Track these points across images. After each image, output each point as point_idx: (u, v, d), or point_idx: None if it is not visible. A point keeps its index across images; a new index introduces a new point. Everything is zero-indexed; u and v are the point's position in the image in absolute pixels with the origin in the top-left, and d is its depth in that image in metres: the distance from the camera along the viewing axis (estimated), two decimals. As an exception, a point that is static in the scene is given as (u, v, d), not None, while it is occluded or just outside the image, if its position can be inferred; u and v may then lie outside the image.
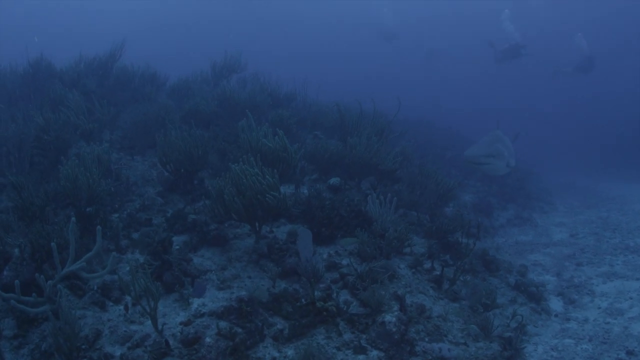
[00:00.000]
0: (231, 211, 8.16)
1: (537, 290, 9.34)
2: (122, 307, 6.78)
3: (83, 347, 5.95)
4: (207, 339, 6.03)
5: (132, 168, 10.99)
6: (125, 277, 6.86)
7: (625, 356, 7.30)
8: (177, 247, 8.09)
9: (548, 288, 10.09)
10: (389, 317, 6.73)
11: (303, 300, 6.97)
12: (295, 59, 63.24)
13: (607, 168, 31.31)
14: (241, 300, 6.78)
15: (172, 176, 10.23)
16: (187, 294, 7.06)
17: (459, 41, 59.86)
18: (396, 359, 6.33)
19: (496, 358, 6.73)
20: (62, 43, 31.70)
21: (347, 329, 6.69)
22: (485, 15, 50.43)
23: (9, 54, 16.54)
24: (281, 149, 9.42)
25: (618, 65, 53.90)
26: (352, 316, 6.85)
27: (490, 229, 14.53)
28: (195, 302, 6.94)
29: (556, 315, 8.96)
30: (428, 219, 10.67)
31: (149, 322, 6.37)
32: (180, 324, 6.44)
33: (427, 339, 6.66)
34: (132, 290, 6.21)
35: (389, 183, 11.47)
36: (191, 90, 16.09)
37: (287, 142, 9.48)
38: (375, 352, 6.36)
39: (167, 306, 6.89)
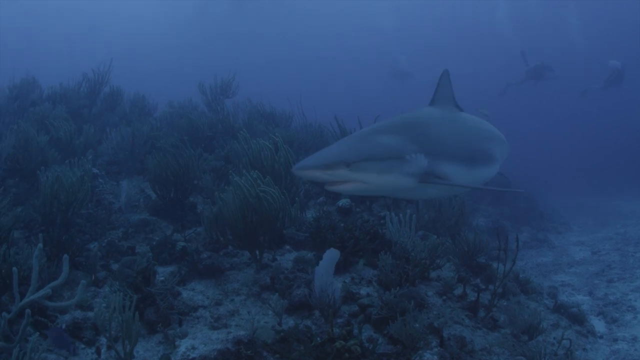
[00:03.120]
0: (231, 234, 7.56)
1: (578, 311, 8.80)
2: (94, 350, 5.86)
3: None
4: (198, 393, 4.91)
5: (116, 193, 10.23)
6: (102, 314, 5.77)
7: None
8: (162, 278, 7.13)
9: (584, 308, 9.47)
10: (429, 356, 5.97)
11: (318, 338, 5.78)
12: (296, 70, 63.37)
13: (610, 186, 32.20)
14: (239, 342, 5.87)
15: (160, 200, 9.53)
16: (173, 335, 6.05)
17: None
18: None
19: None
20: (55, 64, 31.28)
21: (376, 374, 5.68)
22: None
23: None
24: (284, 165, 8.94)
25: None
26: (380, 356, 5.78)
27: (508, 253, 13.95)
28: (183, 345, 5.99)
29: (602, 337, 8.57)
30: (450, 241, 9.75)
31: (126, 370, 5.36)
32: (164, 372, 5.38)
33: (475, 379, 5.73)
34: (108, 330, 5.31)
35: (403, 204, 10.53)
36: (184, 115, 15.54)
37: (291, 156, 9.02)
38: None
39: (149, 349, 5.98)
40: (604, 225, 19.46)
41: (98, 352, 5.79)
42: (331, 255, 6.57)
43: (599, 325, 9.04)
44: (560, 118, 57.51)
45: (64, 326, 6.02)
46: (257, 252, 7.59)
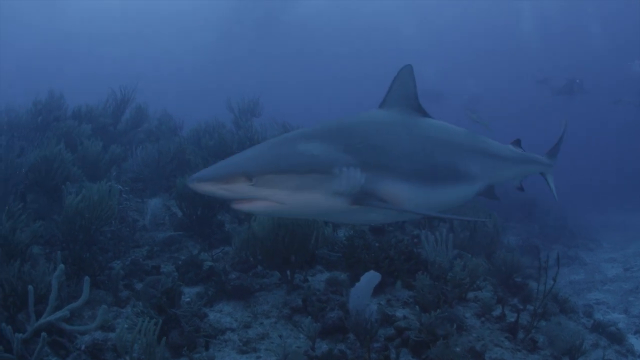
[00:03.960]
0: (261, 254, 7.27)
1: (617, 330, 8.88)
2: (114, 375, 5.48)
3: None
4: None
5: (140, 211, 10.01)
6: (124, 335, 5.47)
7: None
8: (188, 299, 6.88)
9: (621, 327, 9.40)
10: (471, 381, 5.45)
11: (354, 364, 5.45)
12: (320, 89, 63.63)
13: (633, 201, 31.72)
14: (270, 367, 5.37)
15: (187, 219, 9.25)
16: (199, 359, 5.74)
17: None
18: None
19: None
20: (81, 85, 31.59)
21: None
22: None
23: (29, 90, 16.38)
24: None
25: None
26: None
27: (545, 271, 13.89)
28: (209, 371, 5.59)
29: (641, 357, 8.24)
30: (485, 260, 9.31)
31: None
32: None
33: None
34: (129, 353, 5.01)
35: (436, 222, 10.28)
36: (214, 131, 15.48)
37: None
38: None
39: (174, 375, 5.57)
40: (633, 240, 19.42)
41: (119, 377, 5.43)
42: (370, 277, 6.17)
43: (637, 343, 9.00)
44: (585, 133, 57.18)
45: (83, 347, 5.73)
46: (288, 273, 7.32)
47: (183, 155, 11.84)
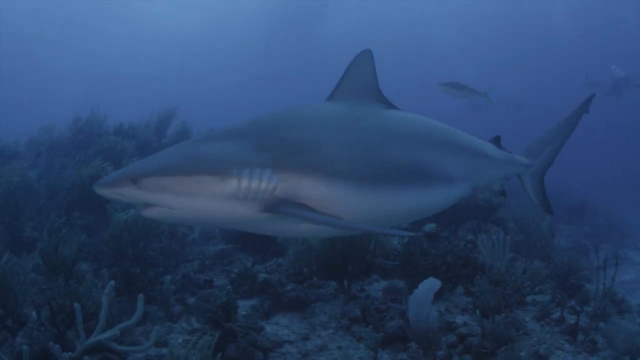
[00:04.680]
0: (317, 265, 7.14)
1: None
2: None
3: None
4: None
5: (189, 225, 9.93)
6: (177, 352, 5.34)
7: None
8: (244, 312, 6.77)
9: None
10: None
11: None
12: None
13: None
14: (331, 380, 5.26)
15: (238, 232, 9.11)
16: None
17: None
18: None
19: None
20: (124, 106, 32.15)
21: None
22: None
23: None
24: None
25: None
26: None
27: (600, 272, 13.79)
28: (270, 386, 5.47)
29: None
30: (540, 263, 9.13)
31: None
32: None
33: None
34: None
35: (489, 226, 10.29)
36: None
37: None
38: None
39: (233, 392, 5.47)
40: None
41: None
42: (430, 284, 5.91)
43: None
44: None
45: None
46: (346, 283, 7.20)
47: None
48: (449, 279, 7.38)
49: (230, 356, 5.67)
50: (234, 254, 8.94)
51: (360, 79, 5.11)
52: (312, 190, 4.10)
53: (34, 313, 6.20)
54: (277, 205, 3.98)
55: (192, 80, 66.20)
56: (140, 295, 5.25)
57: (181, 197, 3.94)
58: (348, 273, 7.13)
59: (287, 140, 4.35)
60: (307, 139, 4.43)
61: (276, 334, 6.39)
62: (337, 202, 4.17)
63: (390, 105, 5.23)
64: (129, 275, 7.14)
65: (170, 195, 3.93)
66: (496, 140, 6.76)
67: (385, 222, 5.09)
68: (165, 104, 16.32)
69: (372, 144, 4.67)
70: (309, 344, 6.24)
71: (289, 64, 67.14)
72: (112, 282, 5.34)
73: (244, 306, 7.00)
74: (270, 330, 6.44)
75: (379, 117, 5.03)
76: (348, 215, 4.22)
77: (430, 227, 9.30)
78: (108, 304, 5.23)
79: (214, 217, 4.18)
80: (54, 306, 5.67)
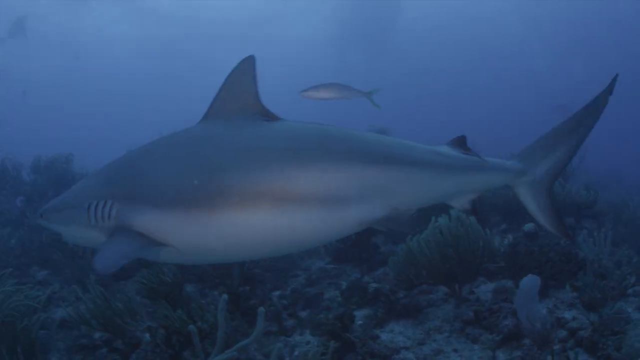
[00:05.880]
0: (425, 271, 7.09)
1: None
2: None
3: None
4: None
5: None
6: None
7: None
8: (360, 322, 6.85)
9: None
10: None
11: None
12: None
13: None
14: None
15: (341, 244, 9.27)
16: None
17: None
18: None
19: None
20: None
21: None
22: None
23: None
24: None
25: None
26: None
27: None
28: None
29: None
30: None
31: None
32: None
33: None
34: None
35: (585, 221, 10.21)
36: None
37: None
38: None
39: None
40: None
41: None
42: (529, 281, 6.04)
43: None
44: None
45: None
46: (457, 287, 7.23)
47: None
48: (552, 275, 7.42)
49: (350, 366, 5.77)
50: (339, 267, 9.05)
51: (237, 92, 4.56)
52: (144, 218, 4.07)
53: (146, 335, 6.30)
54: (113, 233, 4.11)
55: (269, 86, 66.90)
56: (261, 309, 5.00)
57: (61, 227, 4.56)
58: (458, 277, 7.14)
59: (127, 173, 4.49)
60: (144, 169, 4.41)
61: (392, 340, 6.45)
62: (168, 232, 4.05)
63: (271, 116, 4.60)
64: (238, 294, 7.24)
65: (56, 225, 4.60)
66: (457, 142, 5.28)
67: (233, 256, 4.81)
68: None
69: (214, 166, 4.21)
70: (425, 349, 6.30)
71: (364, 69, 67.14)
72: (225, 296, 5.12)
73: (358, 316, 7.05)
74: (385, 337, 6.51)
75: (241, 134, 4.43)
76: (184, 246, 4.09)
77: (529, 226, 9.25)
78: (225, 323, 5.10)
79: (86, 242, 4.62)
80: (169, 328, 5.85)
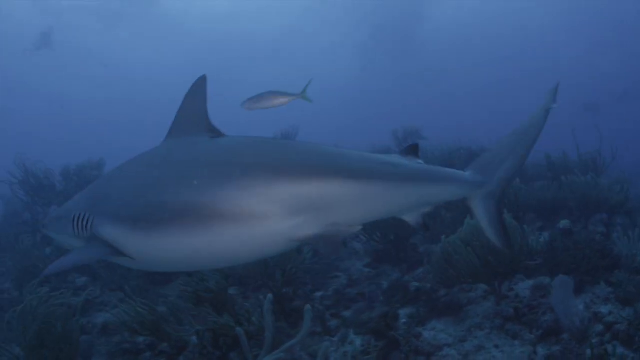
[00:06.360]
0: (464, 270, 7.11)
1: None
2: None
3: None
4: None
5: None
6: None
7: None
8: (404, 320, 6.97)
9: None
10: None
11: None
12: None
13: None
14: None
15: (381, 245, 9.36)
16: None
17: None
18: None
19: None
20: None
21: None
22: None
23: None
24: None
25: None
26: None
27: None
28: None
29: None
30: None
31: None
32: None
33: None
34: None
35: (620, 218, 10.19)
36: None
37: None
38: None
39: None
40: None
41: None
42: (560, 282, 6.34)
43: None
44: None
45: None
46: (496, 284, 7.27)
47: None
48: (588, 271, 7.49)
49: (396, 363, 5.94)
50: (380, 266, 9.13)
51: (191, 111, 4.70)
52: (108, 231, 4.29)
53: (193, 338, 6.49)
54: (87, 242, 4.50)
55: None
56: (307, 307, 5.18)
57: (55, 235, 5.07)
58: (498, 276, 7.18)
59: (103, 188, 4.83)
60: (113, 185, 4.70)
61: (435, 338, 6.58)
62: (122, 243, 4.24)
63: (216, 133, 4.63)
64: (281, 296, 7.40)
65: (52, 233, 5.12)
66: (408, 151, 4.89)
67: (173, 267, 5.10)
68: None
69: (155, 183, 4.35)
70: (467, 345, 6.42)
71: (394, 78, 67.08)
72: (270, 296, 5.35)
73: (401, 315, 7.17)
74: (428, 335, 6.64)
75: (181, 152, 4.54)
76: (141, 257, 4.27)
77: (564, 223, 9.30)
78: (272, 323, 5.26)
79: (73, 249, 4.86)
80: (217, 331, 6.07)
